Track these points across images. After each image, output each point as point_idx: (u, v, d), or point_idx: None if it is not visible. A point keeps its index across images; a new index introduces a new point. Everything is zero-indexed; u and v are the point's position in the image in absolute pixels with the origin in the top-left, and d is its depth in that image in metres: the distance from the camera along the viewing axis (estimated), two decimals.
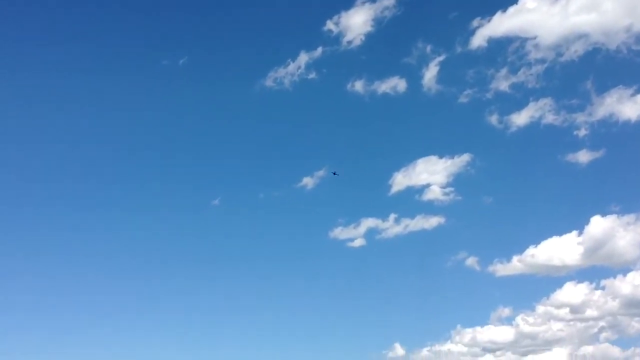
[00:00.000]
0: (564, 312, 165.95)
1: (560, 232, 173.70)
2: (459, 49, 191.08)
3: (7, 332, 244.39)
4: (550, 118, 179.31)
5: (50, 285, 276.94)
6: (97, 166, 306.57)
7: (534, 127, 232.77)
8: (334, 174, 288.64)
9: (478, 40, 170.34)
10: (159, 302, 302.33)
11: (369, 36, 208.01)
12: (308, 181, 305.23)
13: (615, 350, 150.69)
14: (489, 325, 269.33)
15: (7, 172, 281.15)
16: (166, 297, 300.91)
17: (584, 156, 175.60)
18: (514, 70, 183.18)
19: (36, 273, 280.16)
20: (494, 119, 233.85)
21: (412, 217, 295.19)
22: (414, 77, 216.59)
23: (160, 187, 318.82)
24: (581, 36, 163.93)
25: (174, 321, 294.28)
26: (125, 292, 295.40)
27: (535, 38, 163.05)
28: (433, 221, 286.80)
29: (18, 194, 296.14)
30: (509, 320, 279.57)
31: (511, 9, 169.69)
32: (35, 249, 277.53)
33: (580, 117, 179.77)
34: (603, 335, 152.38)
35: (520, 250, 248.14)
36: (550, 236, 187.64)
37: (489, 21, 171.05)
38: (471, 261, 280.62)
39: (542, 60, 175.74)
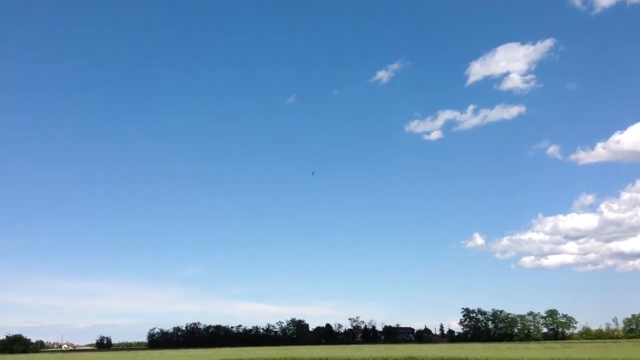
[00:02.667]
0: None
1: None
2: None
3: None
4: None
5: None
6: (172, 73, 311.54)
7: (620, 7, 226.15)
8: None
9: None
10: (239, 193, 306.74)
11: None
12: (382, 75, 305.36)
13: None
14: (572, 213, 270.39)
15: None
16: (244, 193, 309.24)
17: None
18: None
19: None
20: (577, 1, 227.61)
21: (491, 107, 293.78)
22: None
23: (236, 87, 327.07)
24: None
25: (253, 211, 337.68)
26: (210, 184, 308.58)
27: None
28: (513, 111, 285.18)
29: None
30: (592, 208, 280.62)
31: None
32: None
33: None
34: None
35: (605, 136, 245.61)
36: (638, 121, 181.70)
37: None
38: (553, 150, 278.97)
39: None
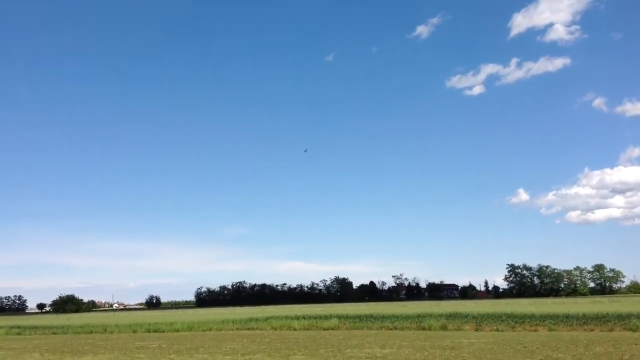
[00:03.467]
0: None
1: None
2: None
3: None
4: None
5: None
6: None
7: None
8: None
9: None
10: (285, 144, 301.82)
11: None
12: (422, 30, 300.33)
13: None
14: (619, 167, 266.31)
15: None
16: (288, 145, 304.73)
17: None
18: None
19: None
20: None
21: (535, 60, 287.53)
22: None
23: (274, 47, 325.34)
24: None
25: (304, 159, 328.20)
26: (252, 145, 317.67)
27: None
28: (557, 63, 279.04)
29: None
30: None
31: None
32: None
33: None
34: None
35: None
36: None
37: None
38: (599, 102, 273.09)
39: None
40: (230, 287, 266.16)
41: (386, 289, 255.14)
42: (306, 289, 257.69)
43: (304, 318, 49.97)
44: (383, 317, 47.56)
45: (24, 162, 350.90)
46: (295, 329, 43.36)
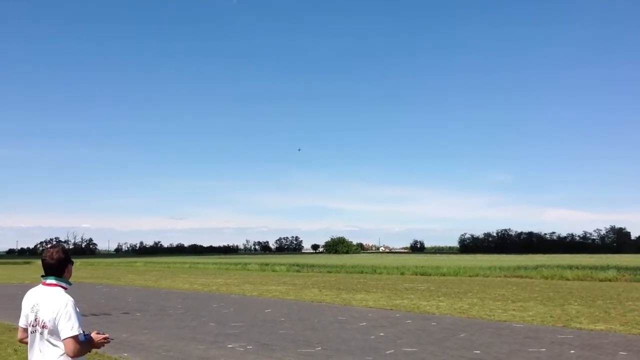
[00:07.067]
0: None
1: None
2: None
3: None
4: None
5: None
6: None
7: None
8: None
9: None
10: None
11: None
12: None
13: None
14: None
15: None
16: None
17: None
18: None
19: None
20: None
21: None
22: None
23: None
24: None
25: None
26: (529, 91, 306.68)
27: None
28: None
29: None
30: None
31: None
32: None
33: None
34: None
35: None
36: None
37: None
38: None
39: None
40: (495, 234, 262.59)
41: None
42: (577, 238, 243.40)
43: (577, 268, 47.07)
44: None
45: (304, 119, 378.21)
46: (567, 279, 41.07)
